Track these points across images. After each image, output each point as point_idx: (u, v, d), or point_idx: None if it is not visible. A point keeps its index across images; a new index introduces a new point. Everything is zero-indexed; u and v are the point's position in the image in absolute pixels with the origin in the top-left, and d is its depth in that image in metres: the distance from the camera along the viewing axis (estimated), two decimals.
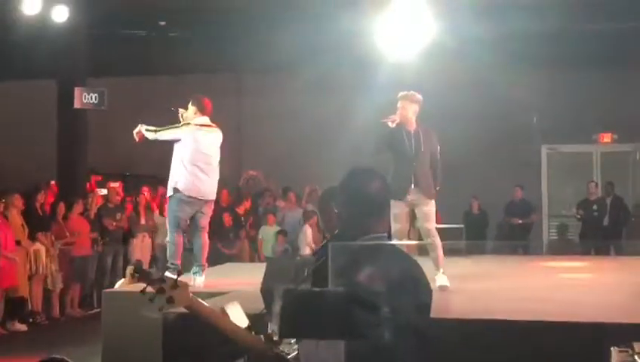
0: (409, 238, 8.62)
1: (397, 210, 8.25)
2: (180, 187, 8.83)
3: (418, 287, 3.04)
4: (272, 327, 3.34)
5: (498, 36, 14.63)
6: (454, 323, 6.28)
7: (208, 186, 8.96)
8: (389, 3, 11.64)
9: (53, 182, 15.89)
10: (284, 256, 14.10)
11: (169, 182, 9.03)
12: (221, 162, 9.11)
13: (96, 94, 15.20)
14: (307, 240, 13.87)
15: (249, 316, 3.54)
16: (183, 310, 3.44)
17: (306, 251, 13.43)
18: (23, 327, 12.01)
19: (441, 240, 8.52)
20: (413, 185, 8.34)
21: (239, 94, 19.36)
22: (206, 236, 9.10)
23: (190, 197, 8.84)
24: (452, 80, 15.47)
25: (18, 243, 12.14)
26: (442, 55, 13.61)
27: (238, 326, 3.42)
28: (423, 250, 8.60)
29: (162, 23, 17.32)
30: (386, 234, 3.16)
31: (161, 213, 14.76)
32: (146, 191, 15.89)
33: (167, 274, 7.72)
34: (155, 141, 9.00)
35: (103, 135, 17.22)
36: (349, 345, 2.80)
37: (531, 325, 6.21)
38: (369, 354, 2.81)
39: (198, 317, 3.39)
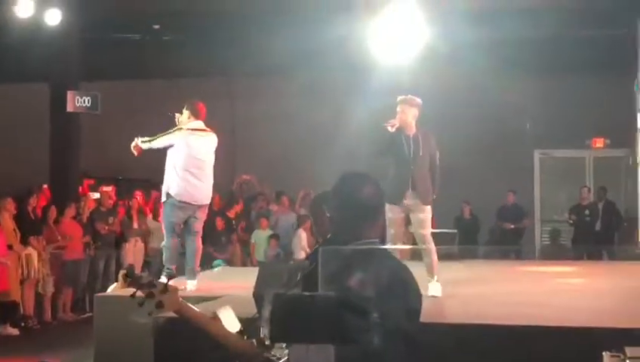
0: (403, 243, 8.59)
1: (392, 214, 8.26)
2: (172, 192, 8.85)
3: (408, 292, 3.04)
4: (264, 332, 3.33)
5: (491, 41, 14.67)
6: (447, 327, 6.29)
7: (201, 191, 8.95)
8: (382, 8, 11.65)
9: (45, 186, 15.84)
10: (276, 260, 14.09)
11: (162, 188, 9.04)
12: (214, 166, 9.11)
13: (89, 98, 15.16)
14: (302, 245, 13.87)
15: (241, 320, 3.53)
16: (173, 314, 3.43)
17: (301, 255, 13.43)
18: (15, 331, 11.97)
19: (435, 245, 8.51)
20: (410, 190, 8.32)
21: (233, 98, 19.34)
22: (199, 240, 9.10)
23: (182, 202, 8.84)
24: (445, 85, 15.49)
25: (10, 247, 12.09)
26: (436, 60, 13.62)
27: (229, 331, 3.41)
28: (417, 255, 8.59)
29: (156, 27, 17.32)
30: (378, 240, 3.15)
31: (155, 218, 14.76)
32: (138, 196, 15.87)
33: (163, 278, 7.78)
34: (151, 150, 9.00)
35: (96, 139, 17.20)
36: (339, 350, 2.80)
37: (524, 330, 6.22)
38: (359, 359, 2.80)
39: (188, 322, 3.38)
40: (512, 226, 16.76)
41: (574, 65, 16.16)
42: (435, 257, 8.37)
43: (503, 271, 11.67)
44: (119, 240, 14.60)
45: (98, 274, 14.09)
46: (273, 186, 16.85)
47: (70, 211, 13.64)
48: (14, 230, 12.32)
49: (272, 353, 3.31)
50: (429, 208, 8.44)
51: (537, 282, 10.32)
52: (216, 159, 9.11)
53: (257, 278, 4.84)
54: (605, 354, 4.63)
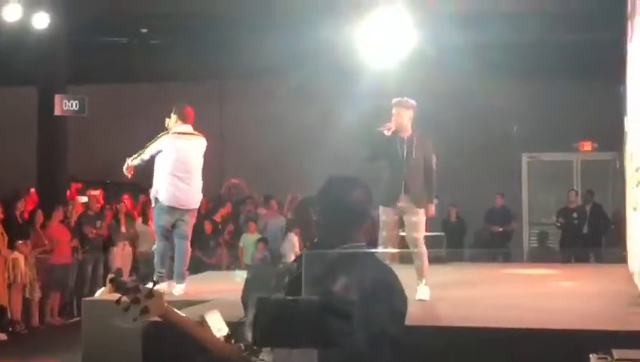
0: (394, 246, 8.57)
1: (386, 217, 8.28)
2: (159, 196, 8.86)
3: (392, 295, 3.03)
4: (248, 336, 3.33)
5: (478, 45, 14.71)
6: (434, 330, 6.31)
7: (189, 195, 8.93)
8: (370, 11, 11.67)
9: (33, 190, 15.80)
10: (262, 263, 14.07)
11: (151, 192, 9.05)
12: (203, 169, 9.10)
13: (76, 101, 15.15)
14: (294, 248, 13.84)
15: (229, 324, 3.53)
16: (158, 319, 3.43)
17: (292, 259, 13.39)
18: (2, 336, 11.90)
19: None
20: (403, 192, 8.31)
21: (221, 101, 19.33)
22: (188, 244, 9.08)
23: (170, 206, 8.84)
24: (433, 88, 15.50)
25: None
26: (423, 63, 13.66)
27: (215, 336, 3.41)
28: (407, 258, 8.60)
29: (144, 30, 17.30)
30: (364, 244, 3.15)
31: (144, 222, 14.73)
32: (126, 199, 15.83)
33: (156, 282, 7.79)
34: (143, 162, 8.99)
35: (84, 142, 17.17)
36: (322, 354, 2.80)
37: (512, 332, 6.23)
38: None
39: (174, 327, 3.38)
40: (501, 229, 16.79)
41: (561, 68, 16.22)
42: (426, 261, 8.36)
43: (491, 274, 11.70)
44: (107, 244, 14.56)
45: (86, 279, 14.04)
46: (262, 189, 16.84)
47: (58, 215, 13.59)
48: (1, 234, 12.27)
49: (260, 357, 3.31)
50: (422, 211, 8.39)
51: (525, 285, 10.34)
52: (204, 163, 9.10)
53: (245, 282, 4.83)
54: (592, 357, 4.65)
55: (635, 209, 9.59)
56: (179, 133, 8.92)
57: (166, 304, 3.37)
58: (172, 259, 9.16)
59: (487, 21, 14.12)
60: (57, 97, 14.97)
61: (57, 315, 13.48)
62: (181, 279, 8.88)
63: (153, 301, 3.30)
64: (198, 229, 10.77)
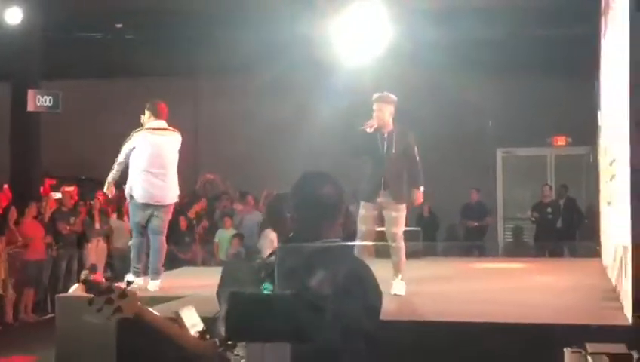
0: (372, 241, 8.58)
1: (365, 211, 8.32)
2: (133, 193, 8.84)
3: (366, 290, 3.02)
4: (221, 331, 3.32)
5: (453, 41, 14.74)
6: (409, 325, 6.33)
7: (163, 191, 8.89)
8: (346, 6, 11.66)
9: (6, 186, 15.68)
10: (236, 258, 14.04)
11: (125, 188, 9.02)
12: (178, 165, 9.06)
13: (50, 97, 15.03)
14: (272, 244, 13.79)
15: (204, 320, 3.52)
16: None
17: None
18: None
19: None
20: (383, 188, 8.33)
21: (196, 97, 19.28)
22: (163, 240, 9.03)
23: (144, 203, 8.81)
24: (408, 84, 15.44)
25: None
26: (398, 59, 13.66)
27: (189, 333, 3.40)
28: (384, 253, 8.61)
29: (118, 26, 17.21)
30: (340, 239, 3.15)
31: (119, 217, 14.67)
32: (100, 195, 15.74)
33: (131, 276, 7.77)
34: (120, 165, 8.96)
35: (58, 138, 17.06)
36: (295, 349, 2.80)
37: (487, 327, 6.26)
38: (315, 357, 2.80)
39: (148, 326, 3.36)
40: (476, 224, 16.86)
41: (535, 64, 16.28)
42: (403, 256, 8.37)
43: (466, 269, 11.74)
44: (81, 240, 14.48)
45: (60, 275, 13.97)
46: (237, 185, 16.81)
47: (31, 211, 13.51)
48: None
49: (235, 352, 3.30)
50: (403, 207, 8.42)
51: (500, 279, 10.39)
52: (179, 158, 9.06)
53: (221, 277, 4.82)
54: (566, 351, 4.68)
55: (609, 203, 9.65)
56: (152, 128, 8.89)
57: (139, 303, 3.36)
58: (147, 255, 9.13)
59: (462, 17, 14.15)
60: (31, 93, 14.85)
61: (31, 312, 13.40)
62: (156, 275, 8.86)
63: (126, 301, 3.28)
64: (172, 225, 10.73)
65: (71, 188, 16.68)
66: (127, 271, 9.15)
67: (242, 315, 2.75)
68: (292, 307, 2.68)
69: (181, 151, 9.08)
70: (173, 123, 9.13)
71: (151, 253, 8.99)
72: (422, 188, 8.63)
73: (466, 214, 17.03)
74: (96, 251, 14.45)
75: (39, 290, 13.65)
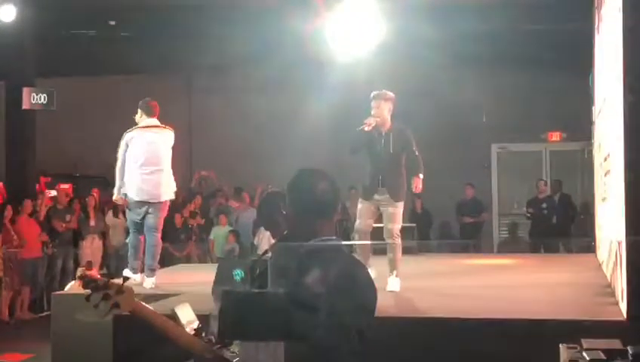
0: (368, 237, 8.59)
1: (362, 207, 8.38)
2: (127, 190, 8.84)
3: (361, 288, 3.02)
4: (214, 329, 3.33)
5: (447, 36, 14.71)
6: (404, 321, 6.34)
7: (158, 188, 8.90)
8: (340, 2, 11.66)
9: (1, 184, 15.67)
10: (230, 255, 14.05)
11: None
12: (172, 162, 9.06)
13: (45, 95, 15.00)
14: (269, 242, 13.78)
15: (200, 317, 3.53)
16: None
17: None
18: None
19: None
20: (380, 186, 8.36)
21: (190, 94, 19.27)
22: (158, 237, 9.04)
23: (139, 201, 8.83)
24: (402, 80, 15.45)
25: None
26: (393, 55, 13.66)
27: (184, 330, 3.40)
28: (379, 249, 8.63)
29: (112, 23, 17.16)
30: (334, 238, 3.15)
31: (115, 215, 14.66)
32: (95, 193, 15.73)
33: (128, 272, 7.78)
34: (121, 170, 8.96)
35: (53, 136, 17.03)
36: (289, 347, 2.79)
37: (482, 322, 6.27)
38: (309, 356, 2.80)
39: (143, 322, 3.36)
40: (471, 220, 16.85)
41: (530, 59, 16.26)
42: (399, 253, 8.40)
43: (461, 265, 11.76)
44: (77, 237, 14.48)
45: (56, 273, 13.96)
46: (231, 182, 16.80)
47: (26, 209, 13.50)
48: None
49: (231, 349, 3.30)
50: (400, 204, 8.47)
51: (495, 275, 10.40)
52: (173, 155, 9.07)
53: (216, 275, 4.83)
54: (562, 346, 4.68)
55: (603, 199, 9.67)
56: (145, 126, 8.92)
57: (136, 299, 3.36)
58: (144, 252, 9.15)
59: (455, 12, 14.13)
60: (25, 91, 14.82)
61: (27, 310, 13.39)
62: (152, 272, 8.86)
63: (123, 297, 3.28)
64: (168, 222, 10.74)
65: (66, 186, 16.69)
66: (123, 269, 9.17)
67: (235, 314, 2.74)
68: (285, 305, 2.68)
69: (175, 149, 9.09)
70: (167, 120, 9.14)
71: (146, 251, 9.00)
72: (421, 176, 8.65)
73: (462, 210, 17.01)
74: (91, 249, 14.44)
75: (35, 288, 13.64)
